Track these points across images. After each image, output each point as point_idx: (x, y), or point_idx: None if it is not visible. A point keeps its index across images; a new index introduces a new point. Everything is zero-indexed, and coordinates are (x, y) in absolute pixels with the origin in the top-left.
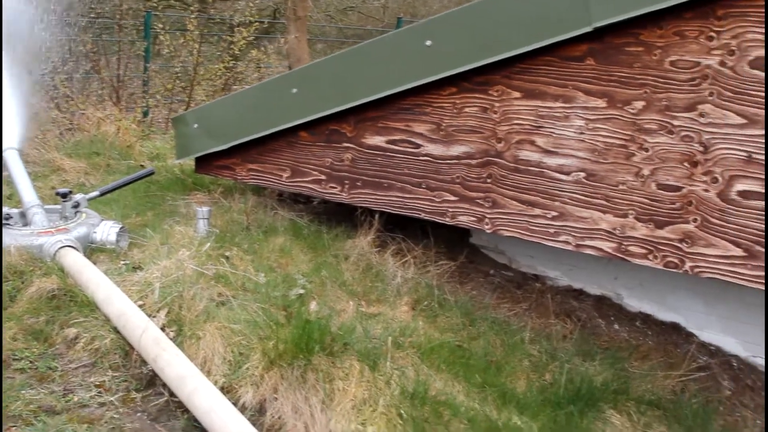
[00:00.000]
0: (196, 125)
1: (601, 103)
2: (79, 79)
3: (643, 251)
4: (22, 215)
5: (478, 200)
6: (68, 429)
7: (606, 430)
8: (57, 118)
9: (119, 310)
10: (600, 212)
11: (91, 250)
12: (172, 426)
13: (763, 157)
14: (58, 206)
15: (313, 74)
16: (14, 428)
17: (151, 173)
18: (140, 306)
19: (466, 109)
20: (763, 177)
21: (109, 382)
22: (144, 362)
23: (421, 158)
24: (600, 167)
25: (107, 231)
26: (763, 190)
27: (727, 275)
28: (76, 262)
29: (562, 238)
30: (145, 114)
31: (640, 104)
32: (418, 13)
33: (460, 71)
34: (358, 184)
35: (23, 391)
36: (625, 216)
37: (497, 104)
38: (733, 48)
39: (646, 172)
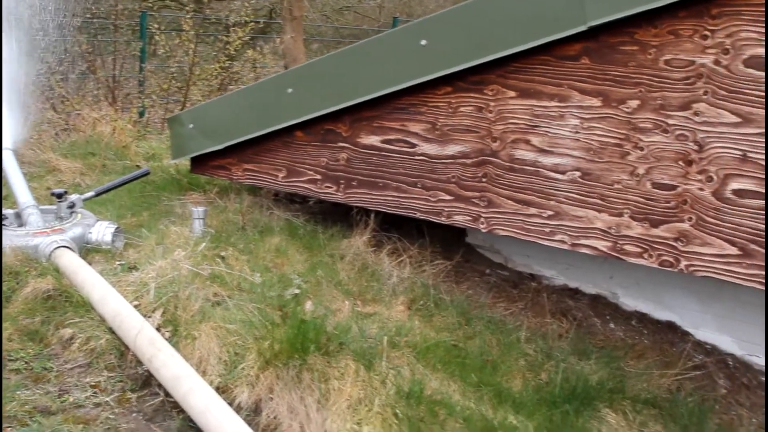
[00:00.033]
0: (191, 125)
1: (596, 102)
2: (75, 80)
3: (639, 250)
4: (18, 216)
5: (473, 200)
6: (64, 429)
7: (602, 429)
8: (53, 118)
9: (114, 310)
10: (595, 211)
11: (87, 250)
12: (168, 426)
13: (757, 156)
14: (53, 207)
15: (309, 74)
16: (10, 429)
17: (147, 173)
18: (136, 306)
19: (462, 109)
20: (759, 176)
21: (105, 382)
22: (139, 362)
23: (416, 158)
24: (595, 166)
25: (103, 231)
26: (758, 189)
27: (723, 274)
28: (71, 262)
29: (558, 237)
30: (141, 114)
31: (634, 103)
32: (414, 12)
33: (455, 70)
34: (354, 183)
35: (18, 392)
36: (620, 215)
37: (492, 103)
38: (728, 47)
39: (641, 171)
